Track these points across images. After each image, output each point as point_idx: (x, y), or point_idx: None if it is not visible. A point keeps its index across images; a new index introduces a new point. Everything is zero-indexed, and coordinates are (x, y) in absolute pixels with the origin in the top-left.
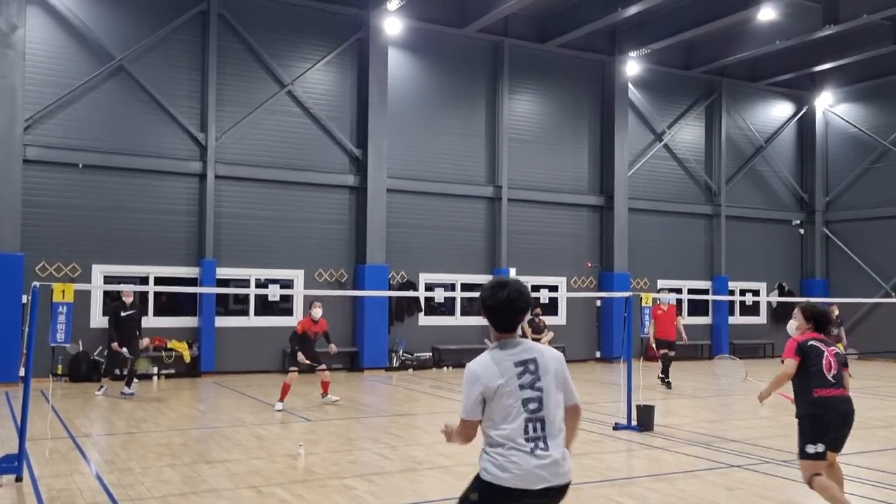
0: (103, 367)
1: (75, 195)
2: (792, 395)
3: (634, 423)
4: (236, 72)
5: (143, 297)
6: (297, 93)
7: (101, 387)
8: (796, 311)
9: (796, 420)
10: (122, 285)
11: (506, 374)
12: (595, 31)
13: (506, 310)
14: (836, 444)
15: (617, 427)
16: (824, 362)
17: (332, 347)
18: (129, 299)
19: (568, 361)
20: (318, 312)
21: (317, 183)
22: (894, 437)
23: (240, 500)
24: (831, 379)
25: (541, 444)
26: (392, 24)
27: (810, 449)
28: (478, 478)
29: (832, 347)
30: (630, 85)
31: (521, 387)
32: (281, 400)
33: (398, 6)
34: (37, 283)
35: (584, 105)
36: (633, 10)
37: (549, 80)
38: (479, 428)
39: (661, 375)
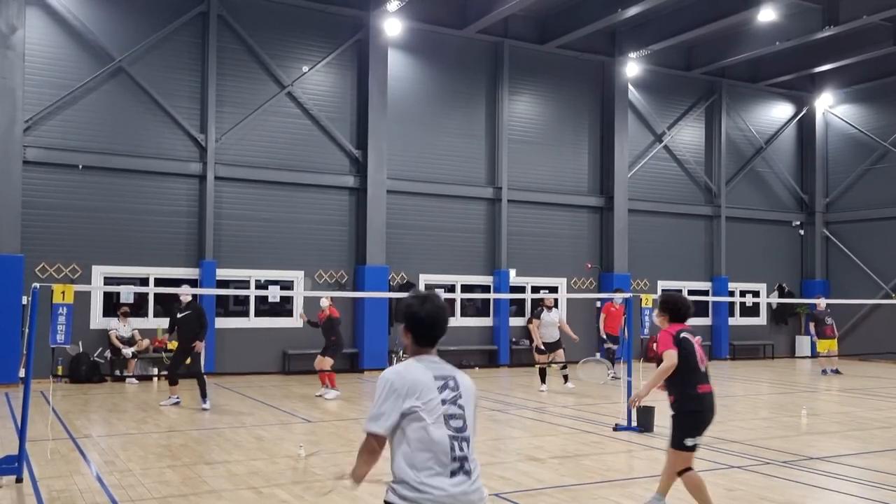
0: (165, 374)
1: (75, 196)
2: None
3: (634, 423)
4: (236, 73)
5: (143, 297)
6: (296, 94)
7: (171, 397)
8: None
9: (672, 413)
10: (121, 286)
11: (427, 385)
12: (595, 32)
13: (431, 323)
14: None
15: (617, 428)
16: (698, 356)
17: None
18: (186, 299)
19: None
20: (324, 302)
21: (317, 184)
22: (893, 438)
23: (240, 501)
24: (704, 372)
25: (466, 466)
26: (392, 25)
27: (689, 442)
28: None
29: (698, 337)
30: (630, 86)
31: (444, 402)
32: (323, 385)
33: (398, 7)
34: (37, 285)
35: (584, 106)
36: (633, 11)
37: (549, 80)
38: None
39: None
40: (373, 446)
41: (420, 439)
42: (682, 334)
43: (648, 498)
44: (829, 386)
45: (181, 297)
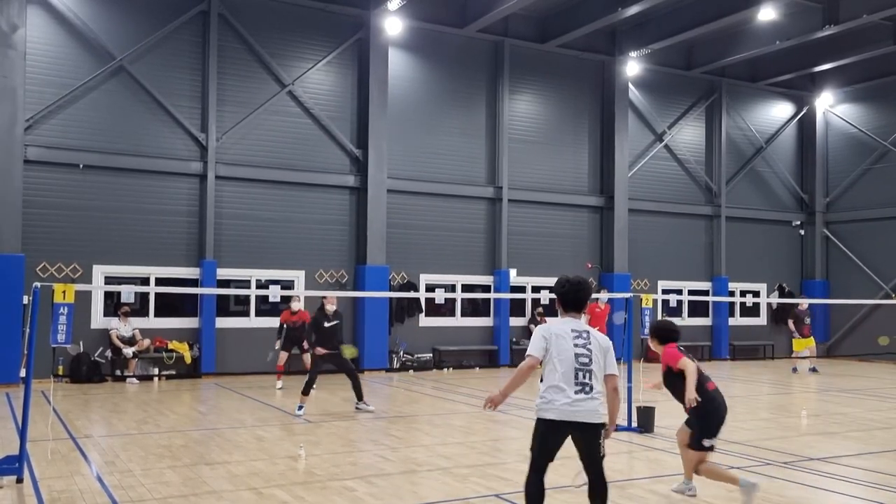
0: (306, 384)
1: (76, 195)
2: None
3: (635, 424)
4: (237, 72)
5: (143, 297)
6: (297, 93)
7: (301, 406)
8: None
9: (690, 414)
10: (122, 286)
11: (563, 334)
12: (595, 32)
13: (570, 295)
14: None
15: (617, 429)
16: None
17: (304, 346)
18: (331, 307)
19: None
20: (296, 305)
21: (317, 183)
22: (893, 438)
23: (240, 502)
24: (707, 374)
25: (586, 389)
26: (392, 24)
27: (707, 443)
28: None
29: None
30: (630, 85)
31: (575, 345)
32: (278, 378)
33: (398, 6)
34: (38, 284)
35: (584, 105)
36: (633, 10)
37: (550, 80)
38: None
39: None
40: (528, 365)
41: (552, 367)
42: (679, 346)
43: (676, 485)
44: (828, 386)
45: (327, 306)
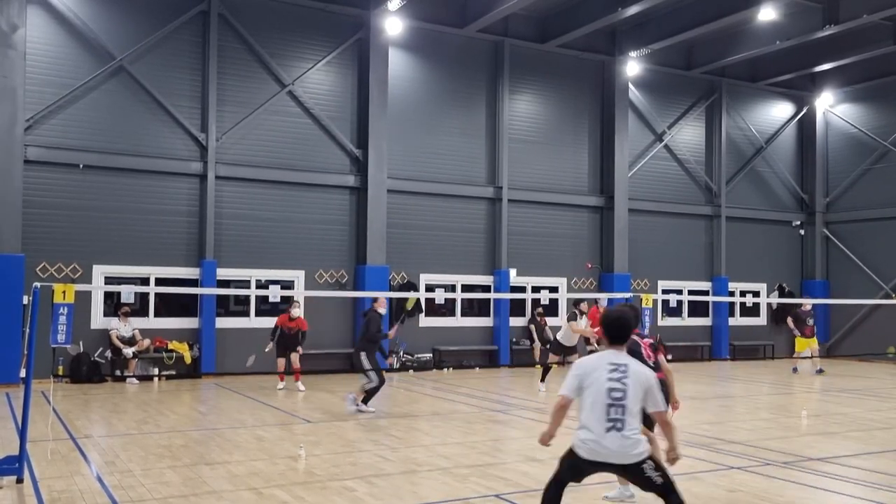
0: (368, 391)
1: (76, 195)
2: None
3: None
4: (237, 72)
5: (143, 297)
6: (297, 93)
7: (362, 404)
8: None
9: None
10: (122, 286)
11: (598, 368)
12: (595, 32)
13: (613, 329)
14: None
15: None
16: (644, 353)
17: (299, 350)
18: (382, 309)
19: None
20: (295, 311)
21: (317, 183)
22: (893, 438)
23: (240, 502)
24: (652, 366)
25: (618, 425)
26: (392, 24)
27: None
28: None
29: (646, 339)
30: (630, 85)
31: (609, 380)
32: (281, 380)
33: (399, 6)
34: (38, 284)
35: (584, 105)
36: (633, 10)
37: (550, 80)
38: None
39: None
40: (560, 403)
41: (584, 403)
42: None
43: (615, 492)
44: (828, 386)
45: (380, 309)
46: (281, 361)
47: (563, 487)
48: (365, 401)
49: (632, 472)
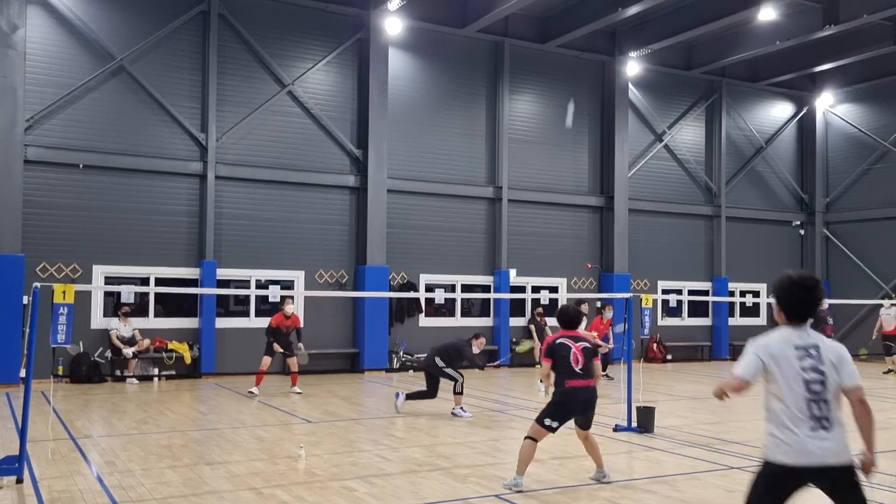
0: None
1: (76, 195)
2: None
3: (634, 424)
4: (237, 72)
5: (143, 297)
6: (297, 93)
7: (395, 396)
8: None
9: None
10: (122, 286)
11: (784, 354)
12: (595, 32)
13: (795, 295)
14: (585, 424)
15: (617, 429)
16: (572, 357)
17: (301, 346)
18: (477, 349)
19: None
20: (289, 308)
21: (317, 183)
22: (893, 438)
23: (240, 502)
24: (579, 371)
25: (824, 424)
26: (392, 25)
27: (547, 422)
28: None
29: (581, 343)
30: (630, 85)
31: (802, 369)
32: (256, 385)
33: (398, 6)
34: (37, 284)
35: (584, 105)
36: (633, 10)
37: (550, 80)
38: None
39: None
40: (737, 385)
41: (775, 395)
42: (559, 340)
43: (509, 480)
44: None
45: (475, 347)
46: (267, 360)
47: None
48: (457, 403)
49: (841, 479)
